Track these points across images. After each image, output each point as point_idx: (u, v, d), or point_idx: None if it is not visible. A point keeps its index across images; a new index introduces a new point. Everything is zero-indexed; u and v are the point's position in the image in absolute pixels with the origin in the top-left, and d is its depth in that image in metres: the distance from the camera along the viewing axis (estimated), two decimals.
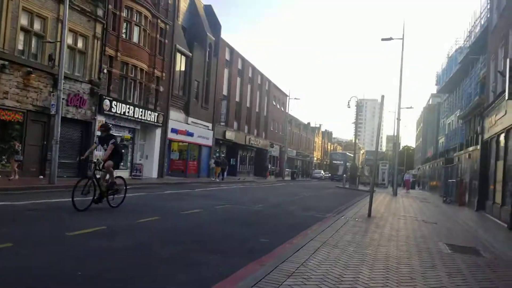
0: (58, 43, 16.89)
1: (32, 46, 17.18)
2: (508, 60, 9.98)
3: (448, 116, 39.20)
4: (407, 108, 37.32)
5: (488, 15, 19.98)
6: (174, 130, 28.12)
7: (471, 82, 25.44)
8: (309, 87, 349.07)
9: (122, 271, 4.91)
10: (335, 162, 63.37)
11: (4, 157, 16.15)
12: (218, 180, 29.15)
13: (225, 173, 32.08)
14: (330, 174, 64.88)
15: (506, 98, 10.40)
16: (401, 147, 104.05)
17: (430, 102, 64.24)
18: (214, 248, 6.43)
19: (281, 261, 5.36)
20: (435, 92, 52.01)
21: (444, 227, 11.09)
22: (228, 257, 5.92)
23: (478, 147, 18.89)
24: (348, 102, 37.12)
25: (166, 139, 27.33)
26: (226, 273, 4.94)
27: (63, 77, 15.93)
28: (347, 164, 55.12)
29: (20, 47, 16.65)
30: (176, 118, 28.43)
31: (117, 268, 5.02)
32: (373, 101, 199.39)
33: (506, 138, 13.80)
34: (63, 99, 16.60)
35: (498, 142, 15.44)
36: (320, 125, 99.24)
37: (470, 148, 22.49)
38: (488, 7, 20.12)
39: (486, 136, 17.42)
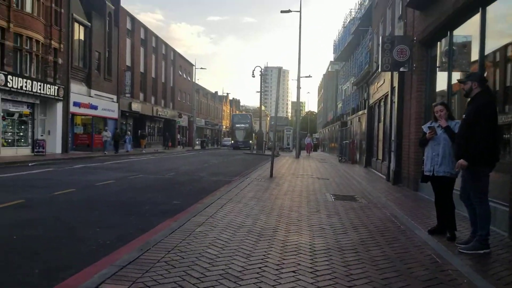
0: None
1: None
2: (381, 37, 11.63)
3: (344, 83, 42.49)
4: (306, 77, 39.69)
5: None
6: (76, 104, 27.26)
7: (362, 51, 27.90)
8: (216, 57, 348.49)
9: (49, 236, 5.51)
10: (237, 125, 53.46)
11: None
12: (114, 153, 28.10)
13: (129, 146, 31.19)
14: (232, 142, 54.39)
15: (379, 70, 12.16)
16: (304, 113, 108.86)
17: (330, 69, 68.40)
18: (132, 212, 7.18)
19: (193, 215, 6.32)
20: (333, 60, 55.52)
21: (334, 182, 12.84)
22: (145, 218, 6.73)
23: (366, 111, 21.25)
24: (253, 72, 38.38)
25: (69, 113, 26.49)
26: (145, 229, 5.80)
27: None
28: (254, 129, 52.83)
29: None
30: (78, 91, 27.54)
31: (44, 234, 5.59)
32: (278, 69, 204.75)
33: (384, 103, 15.95)
34: None
35: (379, 106, 17.68)
36: (227, 93, 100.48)
37: (360, 112, 25.09)
38: None
39: (371, 101, 19.70)
